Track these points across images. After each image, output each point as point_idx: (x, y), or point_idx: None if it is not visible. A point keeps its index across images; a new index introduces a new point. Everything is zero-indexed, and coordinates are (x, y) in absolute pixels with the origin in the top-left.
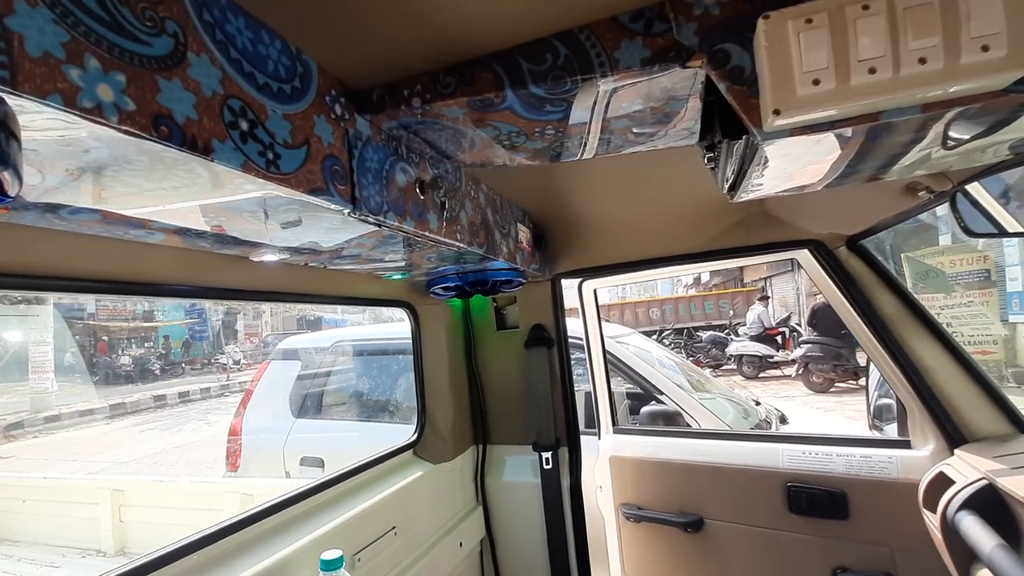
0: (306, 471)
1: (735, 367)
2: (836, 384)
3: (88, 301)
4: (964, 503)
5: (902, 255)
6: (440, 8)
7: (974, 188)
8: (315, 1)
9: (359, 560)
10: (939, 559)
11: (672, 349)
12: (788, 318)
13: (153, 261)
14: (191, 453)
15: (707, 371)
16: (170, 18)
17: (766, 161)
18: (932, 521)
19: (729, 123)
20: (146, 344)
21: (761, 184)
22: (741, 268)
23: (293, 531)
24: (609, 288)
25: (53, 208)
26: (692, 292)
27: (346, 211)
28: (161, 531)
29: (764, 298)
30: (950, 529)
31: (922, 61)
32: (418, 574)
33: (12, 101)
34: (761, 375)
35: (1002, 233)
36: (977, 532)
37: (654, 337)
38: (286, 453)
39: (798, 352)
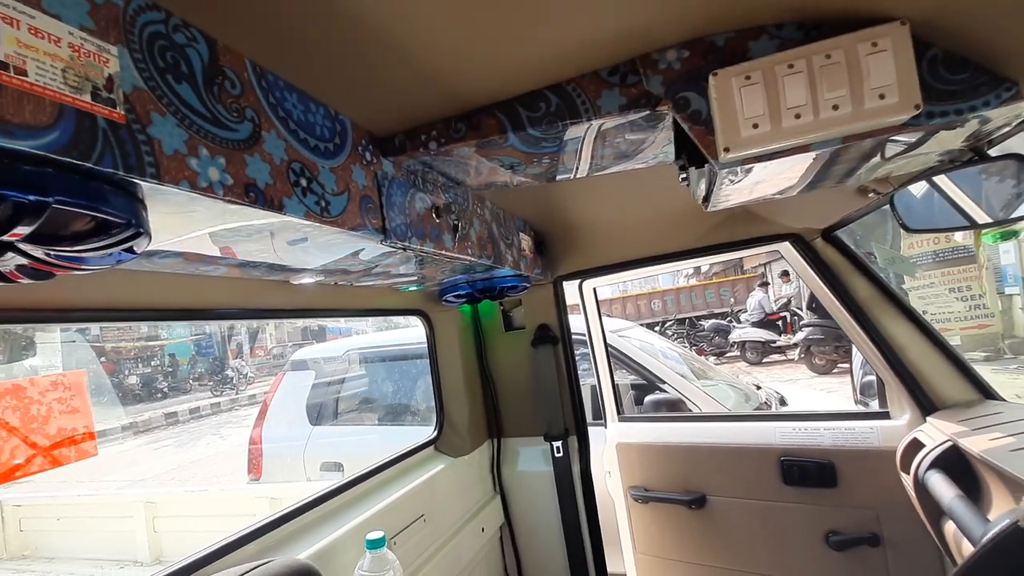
0: (326, 476)
1: (739, 354)
2: (838, 365)
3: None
4: (932, 463)
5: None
6: (450, 69)
7: (911, 190)
8: (349, 71)
9: (395, 543)
10: (917, 516)
11: (675, 339)
12: (789, 302)
13: (217, 290)
14: (208, 467)
15: (711, 359)
16: (248, 106)
17: (739, 175)
18: (907, 482)
19: (694, 153)
20: (152, 363)
21: (728, 197)
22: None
23: (335, 520)
24: (611, 283)
25: (150, 255)
26: (693, 282)
27: (379, 240)
28: (195, 538)
29: (764, 284)
30: (921, 487)
31: (835, 107)
32: (446, 556)
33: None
34: (765, 360)
35: (933, 229)
36: (941, 487)
37: (656, 328)
38: (306, 459)
39: (799, 335)
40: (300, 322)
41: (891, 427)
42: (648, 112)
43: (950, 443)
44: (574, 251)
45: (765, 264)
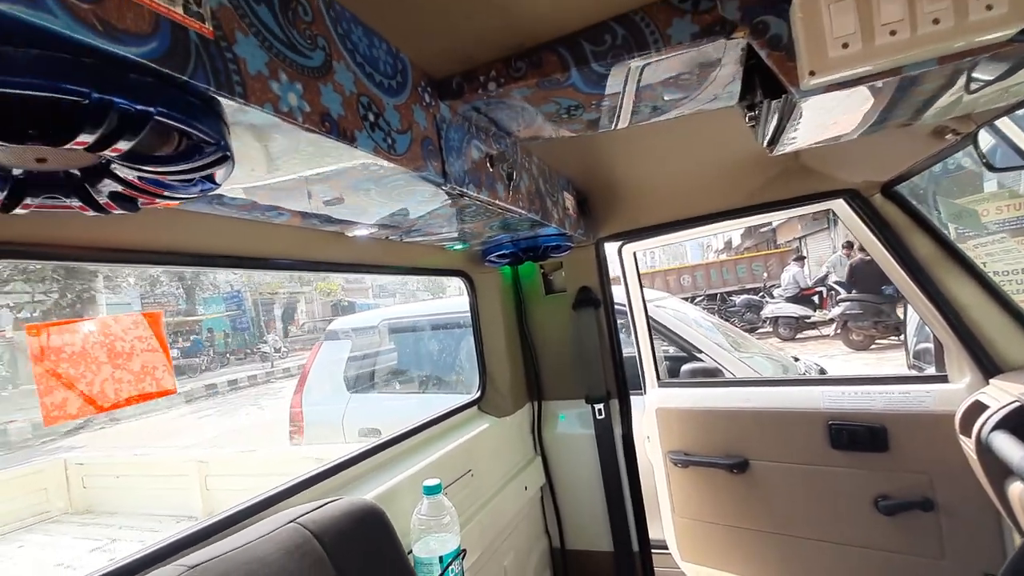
0: (364, 441)
1: (771, 329)
2: (877, 341)
3: (135, 296)
4: (997, 424)
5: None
6: (514, 1)
7: (995, 127)
8: (409, 5)
9: (445, 496)
10: (974, 480)
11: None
12: (826, 276)
13: (271, 239)
14: (248, 435)
15: None
16: (320, 35)
17: (802, 115)
18: (968, 445)
19: (769, 84)
20: (191, 337)
21: (796, 137)
22: (774, 229)
23: (390, 470)
24: (654, 247)
25: (219, 197)
26: (723, 257)
27: (440, 185)
28: (245, 495)
29: (800, 258)
30: (984, 449)
31: (936, 21)
32: (492, 511)
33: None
34: (798, 336)
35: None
36: (1008, 447)
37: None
38: (345, 425)
39: (836, 311)
40: (331, 297)
41: (949, 391)
42: (722, 39)
43: (1017, 403)
44: (617, 212)
45: (800, 238)
